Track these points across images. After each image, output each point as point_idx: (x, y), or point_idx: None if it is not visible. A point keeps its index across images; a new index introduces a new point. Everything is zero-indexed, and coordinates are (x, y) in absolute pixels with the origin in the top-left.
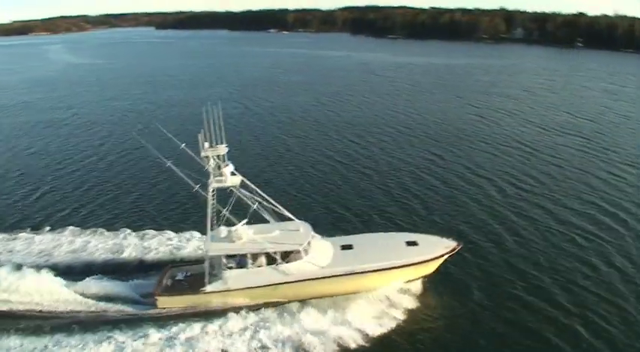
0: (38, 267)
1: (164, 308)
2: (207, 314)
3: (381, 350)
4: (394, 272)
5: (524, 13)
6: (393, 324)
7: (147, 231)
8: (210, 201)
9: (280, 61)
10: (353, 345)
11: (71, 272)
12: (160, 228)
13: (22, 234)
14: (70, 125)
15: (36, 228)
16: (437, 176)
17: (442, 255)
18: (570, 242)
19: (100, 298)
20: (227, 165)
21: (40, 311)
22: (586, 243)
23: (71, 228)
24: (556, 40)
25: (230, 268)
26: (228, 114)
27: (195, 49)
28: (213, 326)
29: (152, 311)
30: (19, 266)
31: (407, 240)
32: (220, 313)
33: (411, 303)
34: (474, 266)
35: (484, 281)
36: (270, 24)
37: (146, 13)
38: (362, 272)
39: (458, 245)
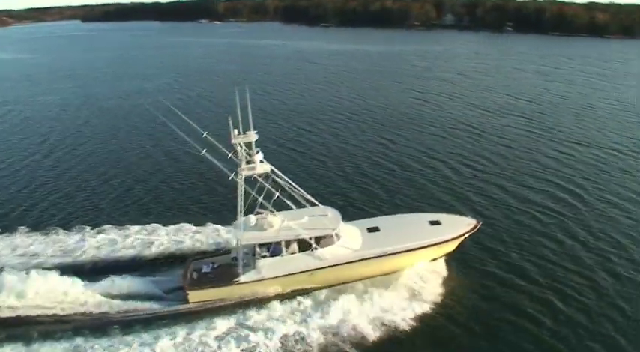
0: (59, 268)
1: (195, 302)
2: (240, 305)
3: (420, 330)
4: (422, 251)
5: None
6: (425, 306)
7: (161, 225)
8: (242, 189)
9: (215, 51)
10: (392, 327)
11: (90, 272)
12: (175, 221)
13: (37, 235)
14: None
15: (46, 228)
16: (392, 159)
17: (465, 233)
18: (532, 219)
19: (124, 297)
20: (257, 152)
21: (67, 315)
22: (546, 219)
23: (82, 226)
24: (486, 25)
25: (264, 257)
26: (166, 105)
27: (122, 42)
28: (250, 316)
29: (183, 307)
30: (39, 268)
31: (430, 220)
32: (255, 303)
33: (438, 284)
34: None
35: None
36: (201, 14)
37: (70, 7)
38: (394, 254)
39: (478, 222)
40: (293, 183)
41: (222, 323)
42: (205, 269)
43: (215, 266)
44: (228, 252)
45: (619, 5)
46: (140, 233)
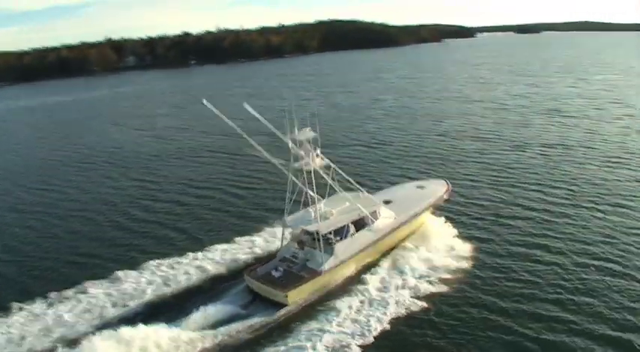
0: (127, 320)
1: (294, 302)
2: (330, 295)
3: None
4: (428, 210)
5: (131, 40)
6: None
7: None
8: (310, 183)
9: None
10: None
11: (158, 314)
12: (210, 240)
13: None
14: None
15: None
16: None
17: (446, 191)
18: None
19: (211, 327)
20: (315, 148)
21: None
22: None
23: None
24: (170, 62)
25: (337, 241)
26: None
27: None
28: (352, 301)
29: (282, 312)
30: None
31: (416, 185)
32: (341, 289)
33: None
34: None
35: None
36: None
37: None
38: (415, 215)
39: (447, 182)
40: (345, 175)
41: (334, 315)
42: (276, 273)
43: (281, 268)
44: (271, 256)
45: (289, 26)
46: (185, 260)
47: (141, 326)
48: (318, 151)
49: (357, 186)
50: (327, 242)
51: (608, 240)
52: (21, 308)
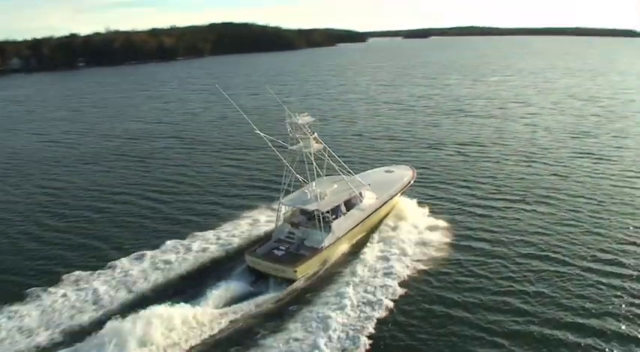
0: (149, 300)
1: (302, 276)
2: (331, 270)
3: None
4: (401, 191)
5: (15, 42)
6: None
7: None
8: (310, 164)
9: None
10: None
11: (175, 294)
12: (210, 223)
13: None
14: None
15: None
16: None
17: (412, 175)
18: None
19: (227, 304)
20: (313, 132)
21: (199, 343)
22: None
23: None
24: (57, 64)
25: (334, 219)
26: None
27: None
28: (355, 269)
29: (290, 288)
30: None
31: (385, 170)
32: (341, 263)
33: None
34: None
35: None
36: None
37: None
38: (394, 196)
39: (411, 166)
40: (339, 159)
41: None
42: (278, 252)
43: (282, 248)
44: (266, 238)
45: (181, 28)
46: (190, 242)
47: (165, 306)
48: (315, 134)
49: (347, 168)
50: (324, 220)
51: (540, 231)
52: (44, 291)
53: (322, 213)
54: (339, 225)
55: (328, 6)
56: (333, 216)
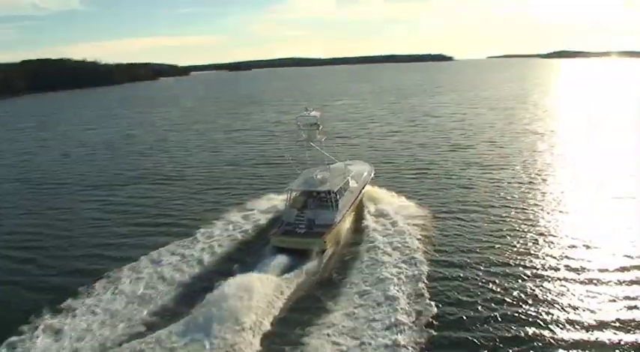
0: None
1: (330, 246)
2: (352, 241)
3: None
4: (369, 178)
5: None
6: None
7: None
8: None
9: None
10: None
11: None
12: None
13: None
14: None
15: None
16: None
17: (371, 168)
18: None
19: (283, 273)
20: (319, 126)
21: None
22: None
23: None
24: None
25: (339, 199)
26: None
27: None
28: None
29: (324, 258)
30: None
31: (345, 164)
32: (353, 235)
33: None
34: None
35: None
36: None
37: None
38: (366, 182)
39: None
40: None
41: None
42: (300, 231)
43: (300, 227)
44: (277, 222)
45: None
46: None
47: (252, 274)
48: (321, 127)
49: (333, 158)
50: (334, 199)
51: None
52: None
53: (334, 193)
54: (344, 204)
55: (152, 43)
56: (338, 196)
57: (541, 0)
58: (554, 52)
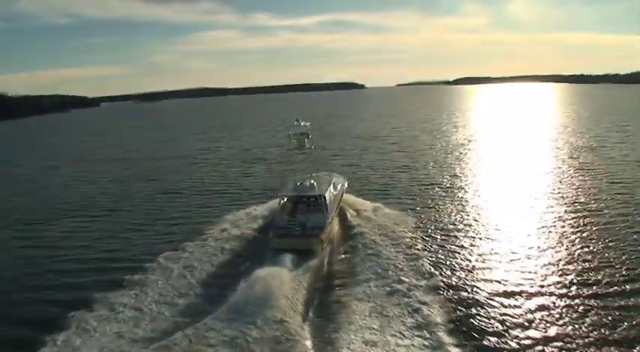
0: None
1: (326, 245)
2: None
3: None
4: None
5: None
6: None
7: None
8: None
9: None
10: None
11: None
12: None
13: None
14: None
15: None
16: None
17: (344, 178)
18: None
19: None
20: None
21: None
22: None
23: None
24: None
25: (328, 202)
26: None
27: None
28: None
29: (324, 257)
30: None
31: (323, 174)
32: (344, 232)
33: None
34: None
35: None
36: None
37: None
38: (343, 190)
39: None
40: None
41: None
42: (296, 233)
43: (298, 229)
44: (272, 226)
45: None
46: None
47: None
48: (310, 137)
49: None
50: (324, 203)
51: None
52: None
53: (323, 197)
54: (331, 207)
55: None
56: (327, 201)
57: (451, 27)
58: (460, 79)
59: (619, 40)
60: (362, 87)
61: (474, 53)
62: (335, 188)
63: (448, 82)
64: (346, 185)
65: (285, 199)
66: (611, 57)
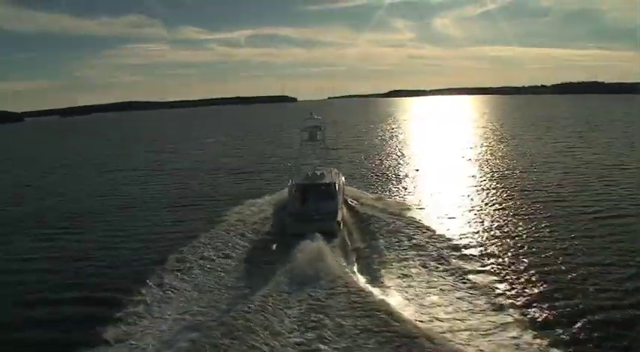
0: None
1: (342, 227)
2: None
3: None
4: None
5: None
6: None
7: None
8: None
9: None
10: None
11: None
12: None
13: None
14: None
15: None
16: None
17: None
18: None
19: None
20: (321, 128)
21: None
22: None
23: None
24: None
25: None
26: None
27: None
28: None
29: (342, 235)
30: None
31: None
32: (354, 217)
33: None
34: None
35: None
36: None
37: None
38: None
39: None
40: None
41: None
42: (314, 216)
43: (311, 213)
44: (285, 212)
45: None
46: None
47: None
48: (323, 129)
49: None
50: (334, 191)
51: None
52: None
53: (334, 185)
54: (340, 195)
55: None
56: (337, 189)
57: (381, 41)
58: (391, 92)
59: (542, 54)
60: (294, 100)
61: (402, 66)
62: (339, 179)
63: (380, 95)
64: (343, 179)
65: (295, 189)
66: (537, 69)
